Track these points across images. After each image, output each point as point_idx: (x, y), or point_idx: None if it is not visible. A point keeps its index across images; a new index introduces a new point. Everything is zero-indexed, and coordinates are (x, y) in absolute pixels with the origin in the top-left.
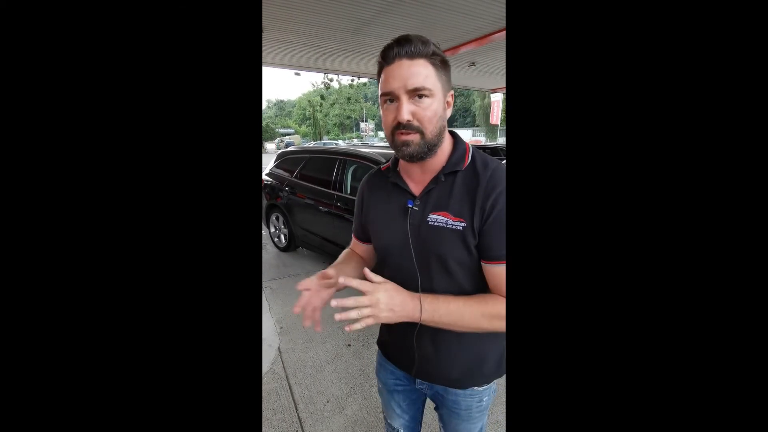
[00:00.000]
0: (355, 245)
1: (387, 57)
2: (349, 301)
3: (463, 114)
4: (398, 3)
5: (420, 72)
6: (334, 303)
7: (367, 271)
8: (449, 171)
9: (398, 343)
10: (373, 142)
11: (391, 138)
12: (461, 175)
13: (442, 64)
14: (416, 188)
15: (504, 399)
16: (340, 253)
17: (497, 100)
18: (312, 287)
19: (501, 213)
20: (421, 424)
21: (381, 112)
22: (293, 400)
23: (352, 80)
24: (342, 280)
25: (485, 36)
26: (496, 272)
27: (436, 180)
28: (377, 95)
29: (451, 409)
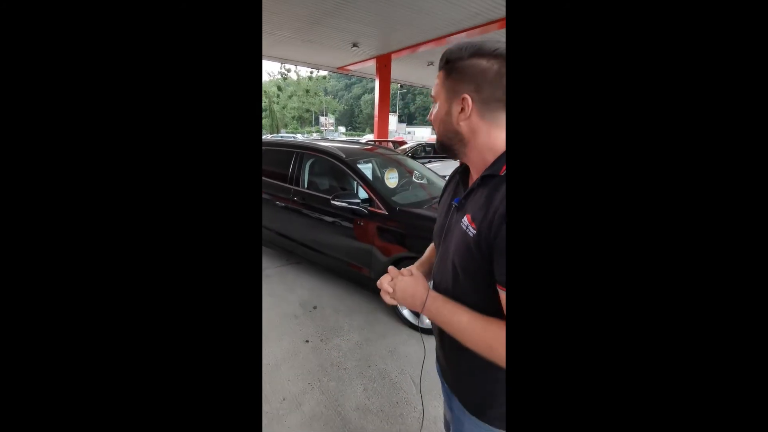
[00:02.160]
0: None
1: None
2: (383, 281)
3: (423, 112)
4: None
5: (436, 81)
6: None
7: (414, 267)
8: (486, 174)
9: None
10: (333, 136)
11: None
12: (496, 181)
13: (452, 70)
14: (468, 187)
15: None
16: (298, 249)
17: None
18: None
19: None
20: None
21: None
22: None
23: (311, 72)
24: (390, 267)
25: (443, 37)
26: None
27: (476, 182)
28: (336, 89)
29: (454, 419)
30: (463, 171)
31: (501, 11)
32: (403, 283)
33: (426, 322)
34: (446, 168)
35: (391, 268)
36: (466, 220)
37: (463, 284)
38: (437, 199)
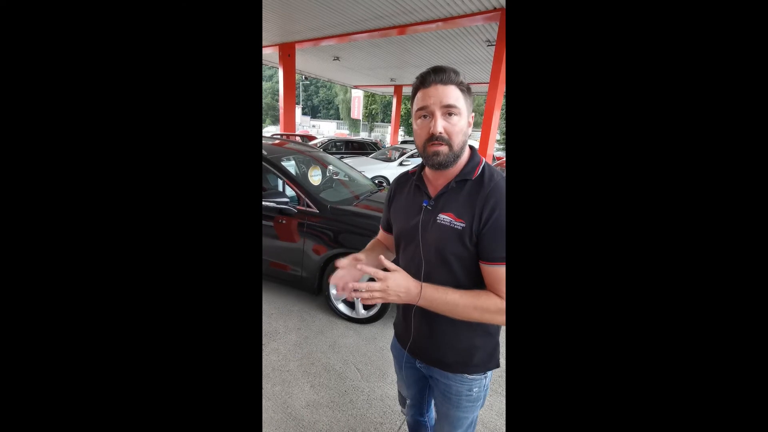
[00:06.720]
0: (381, 235)
1: (425, 81)
2: (363, 286)
3: (327, 106)
4: None
5: (452, 94)
6: (350, 285)
7: (383, 260)
8: (461, 179)
9: (402, 321)
10: None
11: (423, 148)
12: (470, 184)
13: (467, 90)
14: (433, 191)
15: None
16: None
17: (358, 96)
18: (345, 266)
19: (497, 221)
20: (427, 402)
21: (414, 126)
22: None
23: None
24: (359, 267)
25: (347, 34)
26: (490, 271)
27: (448, 186)
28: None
29: (443, 392)
30: (418, 178)
31: (405, 17)
32: (398, 281)
33: (362, 312)
34: (360, 164)
35: (371, 269)
36: (447, 217)
37: (451, 266)
38: (362, 197)
